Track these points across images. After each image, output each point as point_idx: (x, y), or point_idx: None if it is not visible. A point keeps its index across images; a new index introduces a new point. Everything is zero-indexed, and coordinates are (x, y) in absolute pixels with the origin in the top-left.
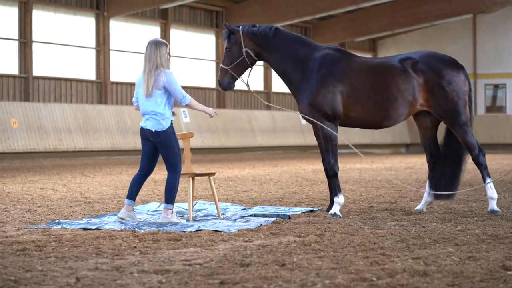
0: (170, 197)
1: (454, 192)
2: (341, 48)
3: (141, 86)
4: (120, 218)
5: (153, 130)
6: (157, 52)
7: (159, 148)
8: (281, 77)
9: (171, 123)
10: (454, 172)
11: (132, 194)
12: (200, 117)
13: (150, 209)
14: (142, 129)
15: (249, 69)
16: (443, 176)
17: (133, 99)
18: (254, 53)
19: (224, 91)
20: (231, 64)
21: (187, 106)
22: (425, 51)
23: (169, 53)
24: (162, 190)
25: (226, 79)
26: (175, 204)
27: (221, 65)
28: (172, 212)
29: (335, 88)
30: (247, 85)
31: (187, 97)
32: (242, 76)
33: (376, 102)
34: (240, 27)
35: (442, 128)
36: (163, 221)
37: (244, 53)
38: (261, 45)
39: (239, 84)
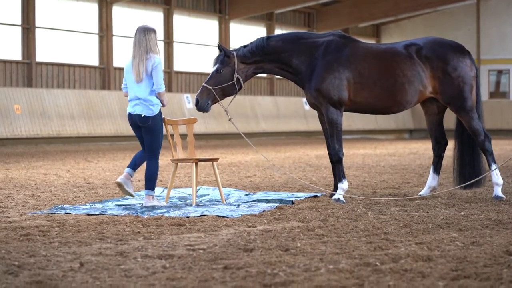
0: (151, 183)
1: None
2: (346, 34)
3: (130, 72)
4: (117, 182)
5: (142, 115)
6: (146, 38)
7: (144, 132)
8: (287, 76)
9: (160, 110)
10: (473, 158)
11: (134, 164)
12: None
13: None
14: (130, 115)
15: (231, 97)
16: (464, 165)
17: (122, 86)
18: (252, 72)
19: (198, 111)
20: (217, 86)
21: (158, 94)
22: (430, 37)
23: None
24: (166, 175)
25: (205, 100)
26: (178, 189)
27: (204, 84)
28: (153, 197)
29: (341, 74)
30: (227, 111)
31: (163, 87)
32: (222, 102)
33: (382, 88)
34: (235, 52)
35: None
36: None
37: (234, 79)
38: (260, 58)
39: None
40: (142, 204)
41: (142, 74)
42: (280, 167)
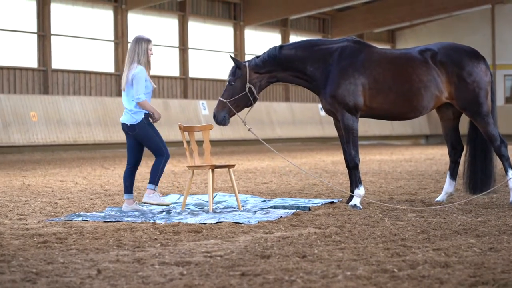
0: (153, 177)
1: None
2: (360, 40)
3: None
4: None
5: (128, 124)
6: (136, 48)
7: (139, 140)
8: (302, 84)
9: (145, 115)
10: (486, 165)
11: (127, 188)
12: None
13: (170, 201)
14: (121, 123)
15: (248, 108)
16: (477, 171)
17: None
18: (266, 82)
19: (218, 125)
20: (231, 98)
21: (138, 104)
22: (445, 42)
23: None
24: (182, 182)
25: (222, 113)
26: (194, 196)
27: (219, 97)
28: (154, 191)
29: (356, 80)
30: (244, 122)
31: (140, 98)
32: (240, 112)
33: (398, 93)
34: (247, 63)
35: (464, 121)
36: (146, 200)
37: (247, 89)
38: (274, 67)
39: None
40: (143, 198)
41: (124, 84)
42: (296, 173)
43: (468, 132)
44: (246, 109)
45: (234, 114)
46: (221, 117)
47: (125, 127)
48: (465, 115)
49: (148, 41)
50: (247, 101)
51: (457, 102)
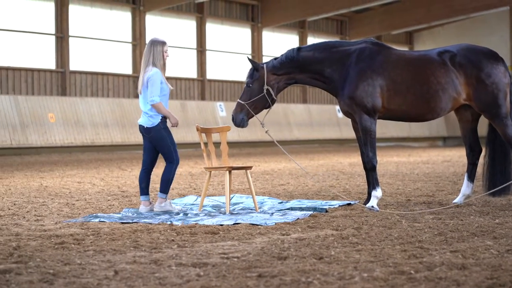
0: (164, 186)
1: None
2: (379, 42)
3: None
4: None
5: (145, 126)
6: (151, 51)
7: (152, 143)
8: (320, 85)
9: (162, 119)
10: (505, 166)
11: (143, 190)
12: None
13: (187, 203)
14: (139, 125)
15: (267, 110)
16: (496, 173)
17: None
18: (284, 84)
19: (236, 127)
20: (249, 100)
21: (152, 106)
22: (463, 44)
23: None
24: (199, 183)
25: (240, 115)
26: (211, 197)
27: (238, 100)
28: (165, 200)
29: (374, 81)
30: (262, 124)
31: (154, 100)
32: (258, 115)
33: (416, 95)
34: (264, 65)
35: (482, 123)
36: (157, 209)
37: (264, 90)
38: (292, 69)
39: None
40: (155, 207)
41: (140, 87)
42: (313, 175)
43: (487, 134)
44: (265, 111)
45: (253, 116)
46: (240, 119)
47: (141, 129)
48: (483, 117)
49: (163, 43)
50: (265, 103)
51: (475, 104)
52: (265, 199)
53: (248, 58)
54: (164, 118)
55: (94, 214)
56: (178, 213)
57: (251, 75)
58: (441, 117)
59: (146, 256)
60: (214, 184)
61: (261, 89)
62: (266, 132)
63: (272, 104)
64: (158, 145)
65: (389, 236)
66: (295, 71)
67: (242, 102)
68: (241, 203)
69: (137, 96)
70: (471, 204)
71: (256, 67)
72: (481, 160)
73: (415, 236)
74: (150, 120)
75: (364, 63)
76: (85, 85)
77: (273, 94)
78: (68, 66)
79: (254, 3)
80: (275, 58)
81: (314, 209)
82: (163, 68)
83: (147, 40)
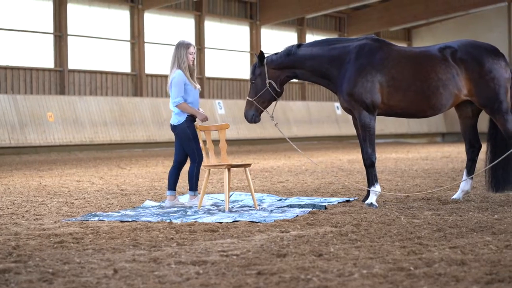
0: (191, 184)
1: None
2: (379, 38)
3: None
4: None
5: (172, 124)
6: (176, 54)
7: (178, 140)
8: (319, 81)
9: (187, 117)
10: (507, 162)
11: (171, 185)
12: (235, 108)
13: (186, 200)
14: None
15: (274, 102)
16: (498, 168)
17: None
18: (285, 77)
19: (250, 123)
20: (256, 96)
21: (177, 107)
22: (464, 40)
23: (195, 52)
24: (199, 181)
25: (250, 112)
26: (211, 195)
27: (247, 97)
28: (195, 196)
29: (373, 78)
30: (272, 117)
31: (176, 101)
32: (267, 108)
33: (417, 91)
34: (265, 60)
35: (483, 119)
36: (187, 204)
37: (267, 85)
38: (290, 64)
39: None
40: (187, 203)
41: (168, 87)
42: (313, 172)
43: (488, 130)
44: (273, 105)
45: (262, 110)
46: (251, 116)
47: (171, 126)
48: (483, 113)
49: (187, 45)
50: (271, 96)
51: (476, 99)
52: (264, 197)
53: (257, 55)
54: (191, 117)
55: (93, 213)
56: (177, 211)
57: (253, 71)
58: (441, 113)
59: (145, 255)
60: (213, 181)
61: (263, 83)
62: (275, 125)
63: (279, 96)
64: (183, 143)
65: (388, 233)
66: (295, 66)
67: (250, 99)
68: (240, 200)
69: (135, 94)
70: (470, 200)
71: (257, 63)
72: (481, 156)
73: (414, 233)
74: (176, 118)
75: (363, 60)
76: (84, 84)
77: (276, 87)
78: (66, 65)
79: (253, 1)
80: (276, 53)
81: (313, 206)
82: (187, 69)
83: (146, 38)
